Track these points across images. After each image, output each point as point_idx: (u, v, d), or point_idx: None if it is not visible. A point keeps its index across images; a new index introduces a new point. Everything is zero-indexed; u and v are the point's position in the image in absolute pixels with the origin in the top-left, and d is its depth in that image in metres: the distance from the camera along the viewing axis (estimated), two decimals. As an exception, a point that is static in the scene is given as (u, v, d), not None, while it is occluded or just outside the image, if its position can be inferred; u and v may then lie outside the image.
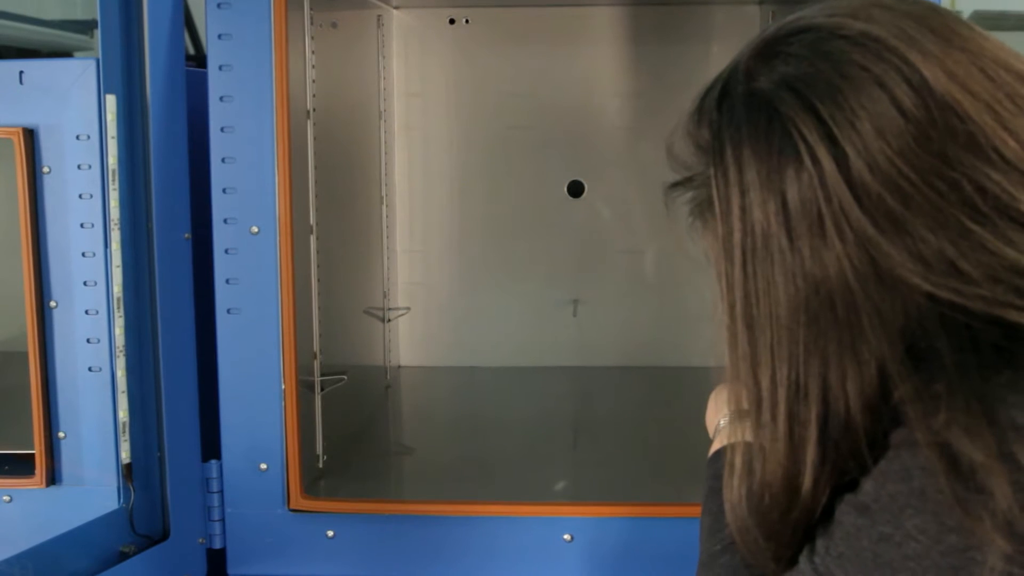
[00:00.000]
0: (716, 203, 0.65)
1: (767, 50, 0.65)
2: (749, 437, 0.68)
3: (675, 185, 0.71)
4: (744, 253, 0.63)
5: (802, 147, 0.60)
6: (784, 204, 0.61)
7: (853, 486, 0.62)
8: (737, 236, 0.64)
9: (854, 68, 0.61)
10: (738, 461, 0.69)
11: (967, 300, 0.58)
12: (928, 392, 0.58)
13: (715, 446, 0.88)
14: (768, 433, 0.64)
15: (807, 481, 0.64)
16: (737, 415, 0.87)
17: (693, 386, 1.71)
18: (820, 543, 0.64)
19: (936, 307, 0.59)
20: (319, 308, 1.35)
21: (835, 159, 0.59)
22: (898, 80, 0.60)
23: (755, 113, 0.63)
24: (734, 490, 0.69)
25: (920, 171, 0.58)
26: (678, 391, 1.74)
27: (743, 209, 0.63)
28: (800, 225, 0.61)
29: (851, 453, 0.62)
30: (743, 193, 0.63)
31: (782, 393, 0.63)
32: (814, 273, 0.61)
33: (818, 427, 0.62)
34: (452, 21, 1.80)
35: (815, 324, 0.61)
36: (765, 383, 0.64)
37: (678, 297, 1.82)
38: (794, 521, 0.65)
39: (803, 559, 0.65)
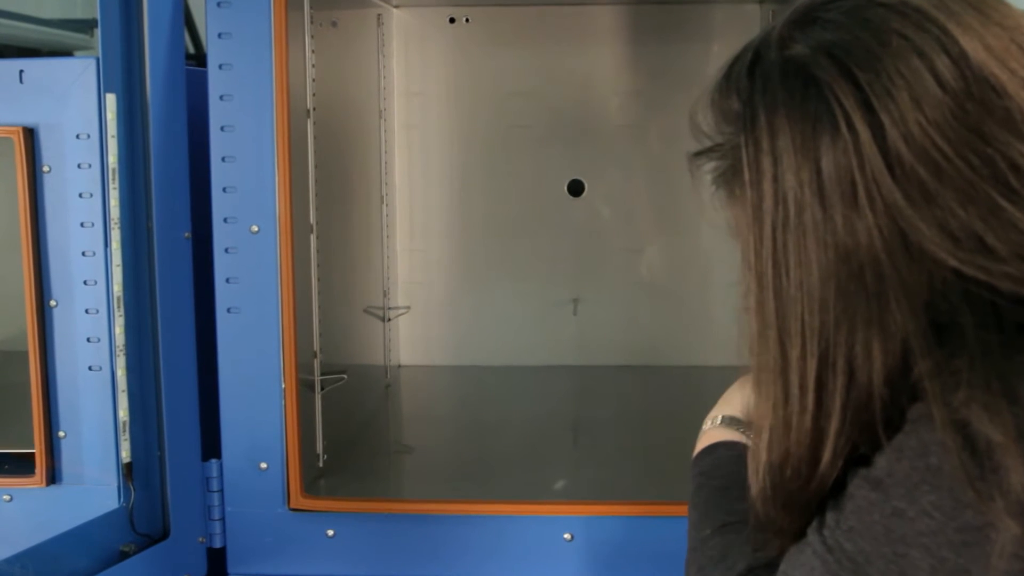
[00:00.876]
0: (746, 171, 0.64)
1: (804, 17, 0.64)
2: (763, 419, 0.66)
3: (699, 154, 0.70)
4: (775, 221, 0.62)
5: (839, 114, 0.59)
6: (818, 171, 0.60)
7: (866, 461, 0.62)
8: (768, 204, 0.62)
9: (894, 36, 0.60)
10: (764, 437, 0.67)
11: (993, 278, 0.58)
12: (949, 368, 0.58)
13: (700, 446, 0.87)
14: (796, 404, 0.63)
15: (827, 452, 0.63)
16: (731, 419, 0.87)
17: (693, 385, 1.72)
18: (830, 516, 0.63)
19: (962, 283, 0.59)
20: (319, 307, 1.35)
21: (871, 127, 0.58)
22: (938, 51, 0.59)
23: (791, 79, 0.62)
24: (758, 464, 0.68)
25: (954, 144, 0.58)
26: (678, 390, 1.74)
27: (775, 177, 0.62)
28: (834, 193, 0.60)
29: (866, 425, 0.61)
30: (776, 161, 0.62)
31: (812, 364, 0.62)
32: (846, 243, 0.60)
33: (842, 398, 0.62)
34: (452, 20, 1.80)
35: (844, 295, 0.60)
36: (795, 354, 0.63)
37: (678, 296, 1.82)
38: (811, 492, 0.65)
39: (811, 532, 0.64)
